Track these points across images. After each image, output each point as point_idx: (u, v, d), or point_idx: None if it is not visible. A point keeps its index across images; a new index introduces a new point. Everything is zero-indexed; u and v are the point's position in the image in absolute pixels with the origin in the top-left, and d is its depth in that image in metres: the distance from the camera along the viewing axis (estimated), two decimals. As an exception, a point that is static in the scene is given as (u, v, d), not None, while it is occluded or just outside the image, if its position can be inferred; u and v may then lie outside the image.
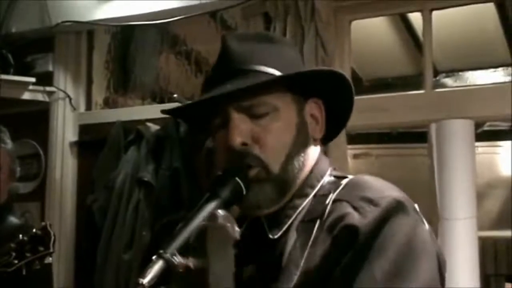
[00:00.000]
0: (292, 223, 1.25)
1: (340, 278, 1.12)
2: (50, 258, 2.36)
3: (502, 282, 4.98)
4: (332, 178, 1.30)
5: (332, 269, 1.13)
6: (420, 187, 3.01)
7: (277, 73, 1.27)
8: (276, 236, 1.24)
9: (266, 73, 1.26)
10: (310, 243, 1.19)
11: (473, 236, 2.84)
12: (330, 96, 1.35)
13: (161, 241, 1.10)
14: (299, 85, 1.30)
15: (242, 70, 1.26)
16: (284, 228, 1.24)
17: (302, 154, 1.29)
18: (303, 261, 1.17)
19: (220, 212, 1.13)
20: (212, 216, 1.12)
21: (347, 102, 1.36)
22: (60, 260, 3.53)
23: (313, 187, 1.29)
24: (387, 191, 1.19)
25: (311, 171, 1.30)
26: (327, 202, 1.23)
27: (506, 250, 4.97)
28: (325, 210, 1.21)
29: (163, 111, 1.39)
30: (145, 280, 1.01)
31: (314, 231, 1.20)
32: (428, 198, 2.90)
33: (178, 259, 1.06)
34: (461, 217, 2.82)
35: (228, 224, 1.11)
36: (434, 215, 2.83)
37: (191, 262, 1.07)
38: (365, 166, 5.04)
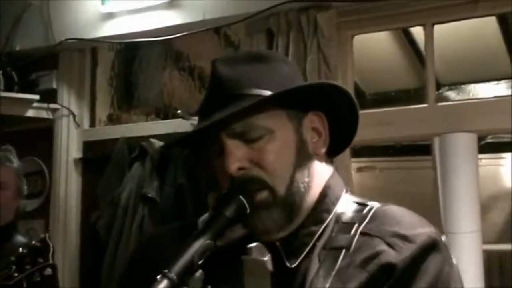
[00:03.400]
0: (311, 250, 1.22)
1: None
2: (50, 270, 2.36)
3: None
4: (355, 206, 1.27)
5: None
6: (425, 200, 3.01)
7: (269, 93, 1.24)
8: (294, 265, 1.21)
9: (258, 96, 1.22)
10: (334, 273, 1.16)
11: (477, 249, 2.83)
12: (331, 108, 1.31)
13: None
14: (294, 101, 1.27)
15: (233, 96, 1.23)
16: (302, 257, 1.22)
17: (306, 174, 1.26)
18: None
19: (254, 245, 1.15)
20: (248, 250, 1.14)
21: (350, 113, 1.32)
22: (65, 277, 3.52)
23: (329, 212, 1.26)
24: (418, 226, 1.19)
25: (325, 195, 1.27)
26: (352, 233, 1.20)
27: (512, 262, 4.94)
28: (351, 242, 1.19)
29: (163, 147, 1.38)
30: None
31: (339, 261, 1.18)
32: (433, 211, 2.89)
33: None
34: (465, 230, 2.82)
35: (265, 258, 1.11)
36: (439, 229, 2.83)
37: None
38: (369, 179, 5.03)
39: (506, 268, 4.74)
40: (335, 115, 1.32)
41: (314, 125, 1.30)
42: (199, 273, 1.09)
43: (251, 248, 1.17)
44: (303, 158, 1.26)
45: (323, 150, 1.31)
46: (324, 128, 1.31)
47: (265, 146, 1.23)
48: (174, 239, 2.45)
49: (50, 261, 2.34)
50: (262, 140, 1.23)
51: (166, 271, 1.04)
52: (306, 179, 1.26)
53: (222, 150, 1.24)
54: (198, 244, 1.10)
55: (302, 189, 1.25)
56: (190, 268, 1.08)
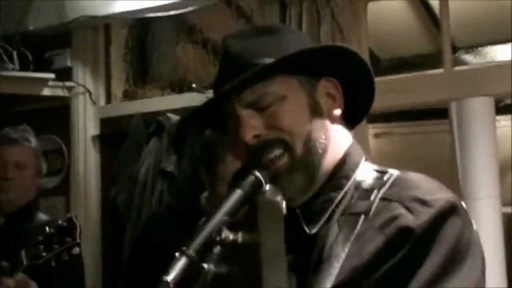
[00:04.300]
0: (330, 216, 1.23)
1: (388, 276, 1.12)
2: (78, 249, 2.40)
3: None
4: (375, 173, 1.27)
5: (380, 267, 1.13)
6: (444, 164, 3.00)
7: None
8: (313, 231, 1.23)
9: (266, 64, 1.24)
10: (353, 237, 1.17)
11: (496, 214, 2.83)
12: (345, 74, 1.32)
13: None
14: (304, 67, 1.28)
15: (242, 66, 1.24)
16: (321, 223, 1.23)
17: (323, 136, 1.26)
18: (344, 255, 1.16)
19: (268, 186, 1.15)
20: (261, 191, 1.14)
21: (365, 77, 1.33)
22: (86, 253, 3.56)
23: (348, 178, 1.26)
24: (438, 191, 1.19)
25: (344, 161, 1.28)
26: (372, 198, 1.21)
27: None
28: (370, 207, 1.19)
29: (178, 125, 1.37)
30: (169, 278, 1.02)
31: (358, 227, 1.18)
32: (451, 175, 2.89)
33: (226, 233, 1.07)
34: (484, 195, 2.81)
35: (278, 199, 1.12)
36: (457, 193, 2.82)
37: (239, 236, 1.08)
38: (387, 145, 5.01)
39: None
40: (351, 82, 1.32)
41: (328, 90, 1.31)
42: (217, 249, 1.10)
43: (264, 190, 1.17)
44: (318, 119, 1.27)
45: (338, 113, 1.31)
46: (338, 93, 1.31)
47: (278, 109, 1.24)
48: (177, 216, 2.47)
49: (78, 240, 2.37)
50: (274, 105, 1.24)
51: (184, 248, 1.05)
52: (323, 141, 1.26)
53: (237, 122, 1.25)
54: (216, 221, 1.11)
55: (320, 150, 1.25)
56: (208, 245, 1.08)
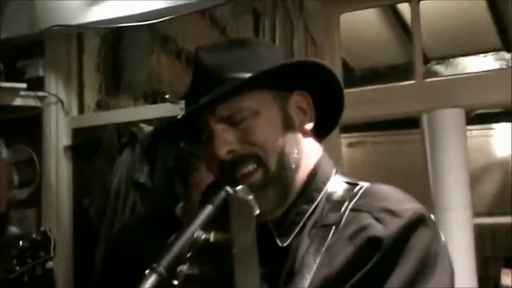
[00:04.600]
0: (302, 228, 1.24)
1: (358, 286, 1.13)
2: (51, 263, 2.37)
3: (500, 264, 4.98)
4: (345, 185, 1.28)
5: (350, 277, 1.14)
6: (417, 173, 3.02)
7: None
8: (285, 244, 1.24)
9: (240, 79, 1.24)
10: (324, 249, 1.18)
11: (468, 224, 2.85)
12: (316, 88, 1.33)
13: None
14: (277, 82, 1.28)
15: (216, 81, 1.24)
16: (293, 235, 1.24)
17: (296, 151, 1.27)
18: (315, 266, 1.17)
19: (240, 186, 1.15)
20: (233, 190, 1.14)
21: (335, 89, 1.34)
22: (58, 265, 3.53)
23: (319, 191, 1.27)
24: (406, 202, 1.20)
25: (315, 173, 1.29)
26: (342, 210, 1.22)
27: (505, 233, 4.96)
28: (341, 219, 1.20)
29: (151, 136, 1.37)
30: None
31: (329, 238, 1.19)
32: (425, 184, 2.91)
33: (197, 233, 1.06)
34: (455, 206, 2.83)
35: (250, 197, 1.13)
36: (429, 203, 2.85)
37: (211, 235, 1.08)
38: (361, 154, 5.04)
39: (498, 237, 4.78)
40: (322, 95, 1.33)
41: (299, 104, 1.32)
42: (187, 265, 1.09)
43: (236, 189, 1.17)
44: (291, 133, 1.28)
45: (309, 127, 1.32)
46: (309, 106, 1.32)
47: (251, 124, 1.24)
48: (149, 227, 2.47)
49: (52, 254, 2.35)
50: (248, 119, 1.24)
51: (155, 265, 1.03)
52: (296, 155, 1.27)
53: (211, 136, 1.25)
54: (187, 237, 1.10)
55: (293, 165, 1.26)
56: (179, 261, 1.07)
